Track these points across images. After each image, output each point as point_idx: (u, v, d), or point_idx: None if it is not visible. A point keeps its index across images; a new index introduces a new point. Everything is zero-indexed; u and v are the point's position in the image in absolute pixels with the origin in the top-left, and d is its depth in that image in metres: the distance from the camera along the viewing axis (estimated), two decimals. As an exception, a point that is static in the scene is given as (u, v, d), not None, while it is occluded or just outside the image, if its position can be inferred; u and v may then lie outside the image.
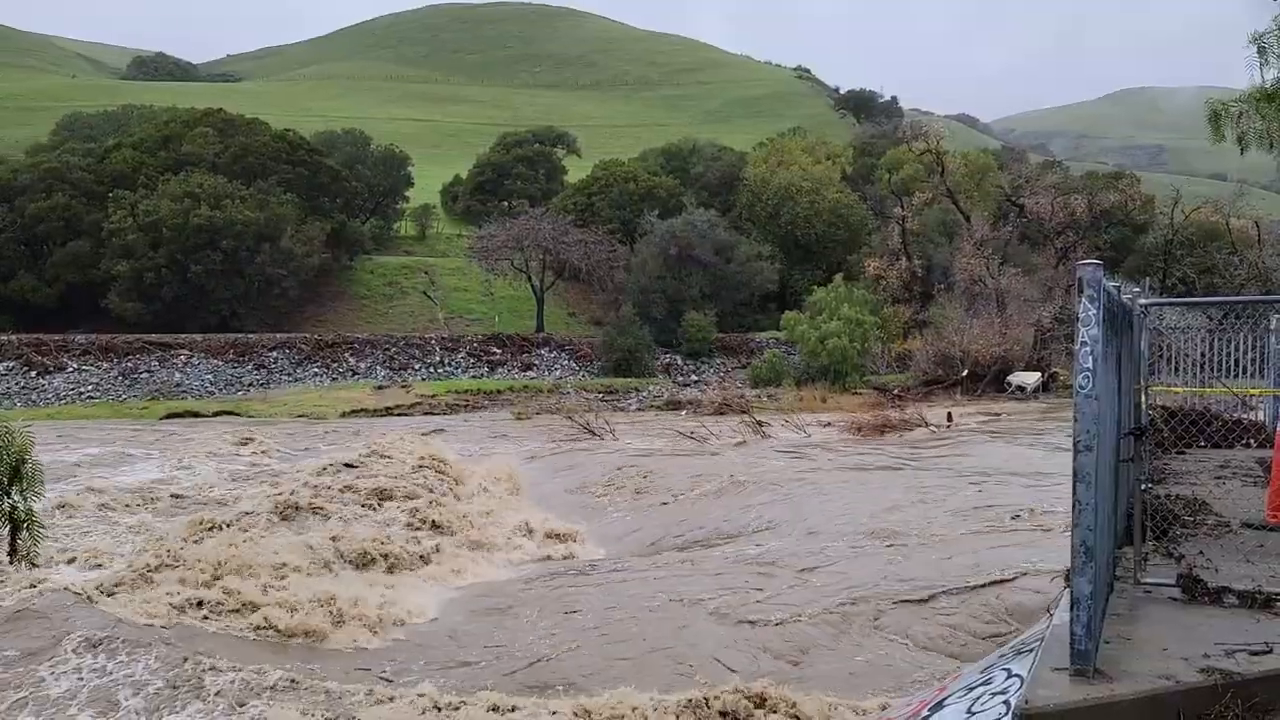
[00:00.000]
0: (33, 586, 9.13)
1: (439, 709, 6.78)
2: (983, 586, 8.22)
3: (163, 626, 8.26)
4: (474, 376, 40.89)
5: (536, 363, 43.12)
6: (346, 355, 41.31)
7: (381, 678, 7.61)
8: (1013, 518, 11.61)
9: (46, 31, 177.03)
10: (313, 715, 6.75)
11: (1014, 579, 8.27)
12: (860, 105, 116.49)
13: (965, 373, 36.00)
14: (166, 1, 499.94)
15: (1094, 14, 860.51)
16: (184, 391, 37.00)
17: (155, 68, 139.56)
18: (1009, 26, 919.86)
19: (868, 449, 20.60)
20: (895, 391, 34.92)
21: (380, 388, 37.57)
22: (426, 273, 53.36)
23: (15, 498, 5.48)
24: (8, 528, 5.54)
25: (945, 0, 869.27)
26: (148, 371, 38.04)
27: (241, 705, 6.94)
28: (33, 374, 36.50)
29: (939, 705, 4.56)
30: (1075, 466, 3.67)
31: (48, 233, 46.20)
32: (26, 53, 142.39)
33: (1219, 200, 47.62)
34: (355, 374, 40.29)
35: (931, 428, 24.56)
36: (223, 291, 44.66)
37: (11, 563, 6.24)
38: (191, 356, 39.27)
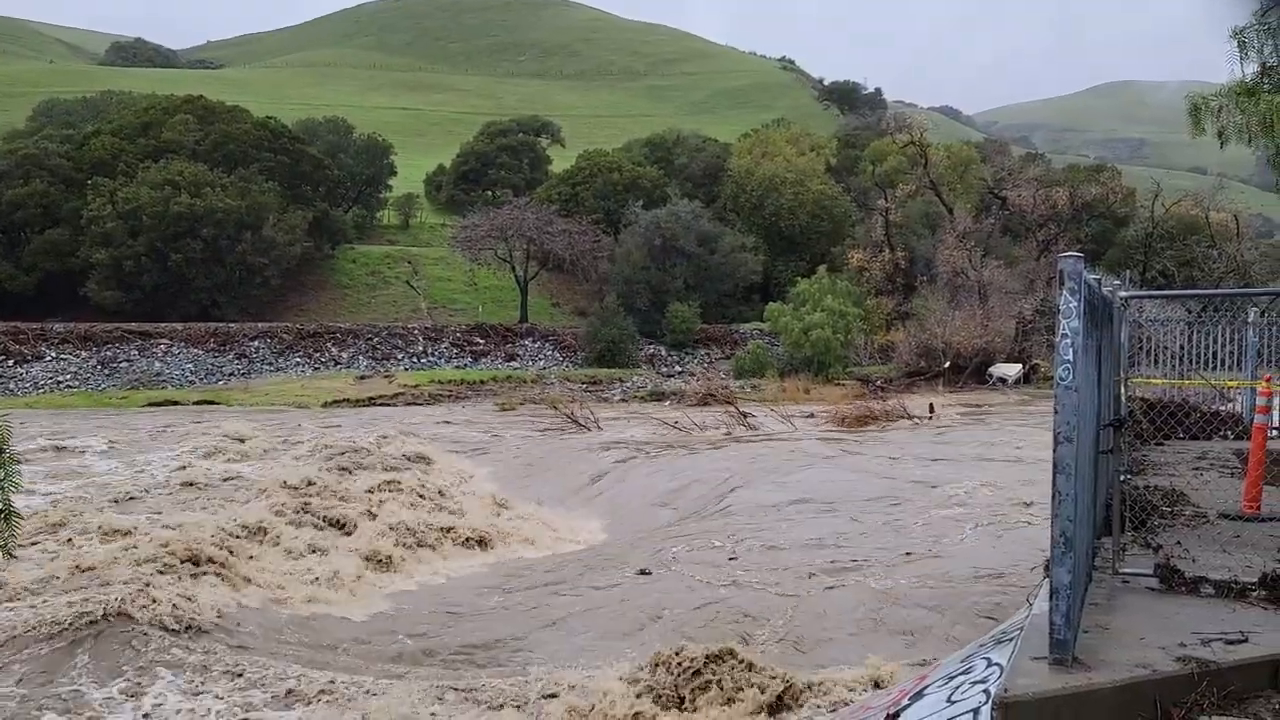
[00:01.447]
0: None
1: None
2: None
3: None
4: (457, 367, 40.76)
5: (520, 353, 43.01)
6: (329, 345, 41.07)
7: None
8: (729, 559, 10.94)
9: (24, 16, 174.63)
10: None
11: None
12: (844, 97, 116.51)
13: (947, 364, 36.21)
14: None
15: (1092, 14, 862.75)
16: (164, 381, 36.69)
17: (134, 54, 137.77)
18: (1007, 26, 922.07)
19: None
20: (878, 383, 35.08)
21: (363, 378, 37.38)
22: (410, 262, 53.07)
23: (-8, 488, 5.43)
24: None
25: (940, 1, 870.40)
26: (127, 361, 37.66)
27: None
28: (10, 363, 36.10)
29: (919, 694, 4.59)
30: (1055, 458, 3.70)
31: (25, 220, 45.61)
32: (3, 37, 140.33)
33: (1199, 194, 47.97)
34: (338, 364, 40.07)
35: (914, 419, 24.74)
36: (203, 280, 44.27)
37: (-11, 554, 6.16)
38: (172, 346, 38.93)
